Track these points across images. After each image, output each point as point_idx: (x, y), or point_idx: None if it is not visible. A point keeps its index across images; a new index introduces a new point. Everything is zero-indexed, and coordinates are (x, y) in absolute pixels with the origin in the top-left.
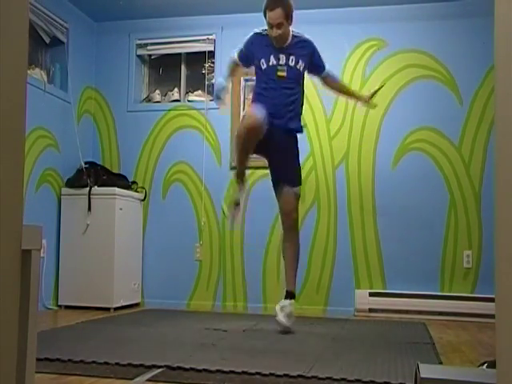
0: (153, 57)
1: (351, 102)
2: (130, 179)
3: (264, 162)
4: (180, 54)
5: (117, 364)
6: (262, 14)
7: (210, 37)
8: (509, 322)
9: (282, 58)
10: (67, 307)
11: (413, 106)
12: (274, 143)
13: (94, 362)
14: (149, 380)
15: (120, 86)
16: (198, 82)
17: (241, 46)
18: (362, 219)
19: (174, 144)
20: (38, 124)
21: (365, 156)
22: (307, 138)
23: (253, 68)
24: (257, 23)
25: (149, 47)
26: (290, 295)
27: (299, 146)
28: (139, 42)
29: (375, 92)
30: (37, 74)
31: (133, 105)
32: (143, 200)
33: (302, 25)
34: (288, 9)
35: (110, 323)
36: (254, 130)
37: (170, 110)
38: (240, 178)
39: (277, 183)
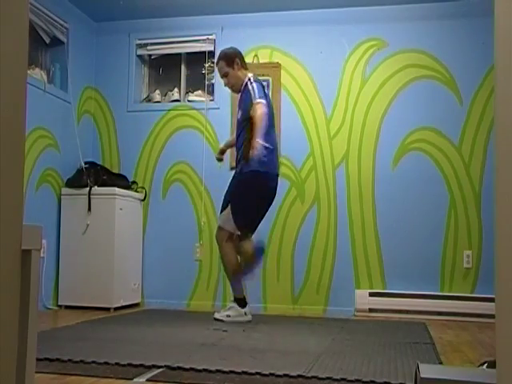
0: (153, 57)
1: (350, 103)
2: (130, 179)
3: None
4: (180, 53)
5: (117, 364)
6: (261, 14)
7: (210, 37)
8: (509, 321)
9: (238, 112)
10: (67, 307)
11: (413, 106)
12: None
13: (93, 362)
14: (149, 380)
15: (120, 86)
16: (198, 82)
17: None
18: (362, 219)
19: (174, 144)
20: (37, 124)
21: (365, 156)
22: (307, 137)
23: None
24: (257, 23)
25: (149, 47)
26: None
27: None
28: (139, 42)
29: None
30: (37, 74)
31: (133, 105)
32: (143, 200)
33: (303, 25)
34: (229, 57)
35: (110, 323)
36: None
37: (170, 110)
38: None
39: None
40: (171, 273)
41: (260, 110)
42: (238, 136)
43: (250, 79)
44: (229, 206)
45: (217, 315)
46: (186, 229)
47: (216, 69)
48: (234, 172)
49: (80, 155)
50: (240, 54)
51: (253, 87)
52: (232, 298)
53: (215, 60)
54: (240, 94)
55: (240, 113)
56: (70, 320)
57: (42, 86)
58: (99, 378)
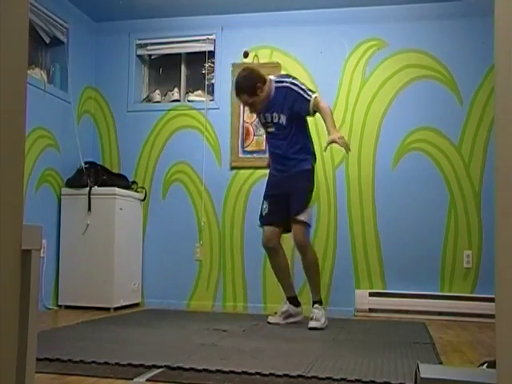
0: (153, 57)
1: (350, 103)
2: (130, 179)
3: (263, 161)
4: (180, 54)
5: (117, 364)
6: (261, 14)
7: (210, 37)
8: (509, 322)
9: (268, 117)
10: (67, 307)
11: (413, 106)
12: (285, 193)
13: (93, 362)
14: (149, 380)
15: (120, 86)
16: (198, 81)
17: None
18: (362, 219)
19: (174, 144)
20: (37, 124)
21: (365, 156)
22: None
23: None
24: (257, 23)
25: (149, 47)
26: (316, 303)
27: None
28: (139, 42)
29: (343, 145)
30: (37, 74)
31: (133, 105)
32: (143, 200)
33: (303, 25)
34: (250, 89)
35: (110, 323)
36: (268, 248)
37: (170, 110)
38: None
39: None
40: (171, 273)
41: (322, 101)
42: (282, 142)
43: (283, 82)
44: (310, 202)
45: (315, 324)
46: (186, 229)
47: (239, 99)
48: (279, 173)
49: (80, 155)
50: (257, 74)
51: (297, 86)
52: (316, 304)
53: (236, 89)
54: (271, 101)
55: (283, 116)
56: (70, 320)
57: (42, 86)
58: (99, 377)
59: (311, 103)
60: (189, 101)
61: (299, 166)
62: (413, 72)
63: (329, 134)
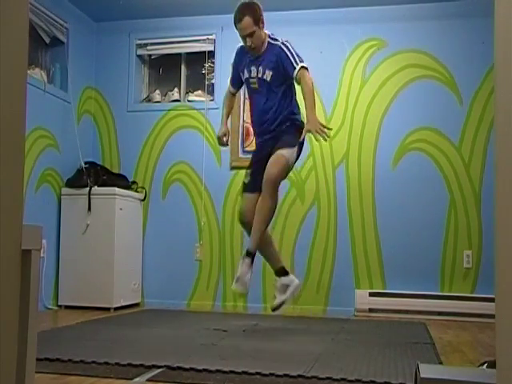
0: (153, 57)
1: (350, 103)
2: (130, 179)
3: None
4: (180, 54)
5: (117, 364)
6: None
7: (210, 37)
8: (509, 322)
9: (253, 71)
10: (67, 307)
11: (413, 106)
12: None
13: (93, 362)
14: (149, 380)
15: (120, 86)
16: (198, 82)
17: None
18: (362, 219)
19: (174, 144)
20: (38, 124)
21: (365, 156)
22: (307, 137)
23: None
24: None
25: (149, 47)
26: (248, 253)
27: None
28: (139, 42)
29: (319, 134)
30: (37, 74)
31: (133, 105)
32: (143, 200)
33: (303, 25)
34: (256, 13)
35: (109, 323)
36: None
37: (170, 110)
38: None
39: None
40: (171, 273)
41: (310, 78)
42: (265, 101)
43: (277, 40)
44: (296, 147)
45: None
46: (186, 229)
47: (238, 27)
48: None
49: (80, 155)
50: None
51: (290, 47)
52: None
53: (236, 15)
54: (264, 55)
55: (269, 71)
56: (70, 320)
57: (42, 86)
58: (99, 378)
59: (296, 71)
60: (189, 101)
61: (284, 133)
62: (413, 72)
63: (306, 119)
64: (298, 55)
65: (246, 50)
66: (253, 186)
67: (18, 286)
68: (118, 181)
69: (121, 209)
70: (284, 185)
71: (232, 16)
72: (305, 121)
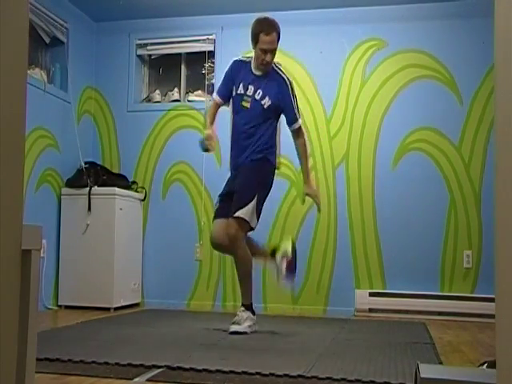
0: (153, 57)
1: (350, 103)
2: (130, 179)
3: None
4: (180, 54)
5: (117, 364)
6: (261, 14)
7: (210, 37)
8: (509, 322)
9: (250, 89)
10: (67, 307)
11: (413, 106)
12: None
13: (93, 362)
14: (149, 380)
15: (120, 86)
16: (198, 82)
17: (219, 84)
18: (362, 219)
19: (174, 144)
20: (38, 124)
21: (365, 156)
22: (307, 137)
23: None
24: None
25: (149, 47)
26: (245, 307)
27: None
28: (139, 42)
29: (316, 202)
30: (37, 74)
31: (133, 105)
32: (143, 200)
33: (303, 25)
34: (279, 34)
35: (110, 323)
36: (214, 245)
37: (170, 110)
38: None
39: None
40: (171, 273)
41: (305, 133)
42: (254, 124)
43: (283, 72)
44: (255, 197)
45: (236, 328)
46: (186, 229)
47: (266, 38)
48: (241, 162)
49: (80, 155)
50: None
51: (292, 89)
52: (242, 307)
53: (265, 26)
54: (268, 78)
55: (269, 100)
56: (70, 320)
57: (42, 86)
58: (99, 378)
59: (297, 124)
60: (189, 101)
61: (257, 155)
62: (413, 72)
63: (304, 181)
64: (297, 104)
65: (247, 66)
66: (221, 212)
67: (18, 286)
68: (118, 181)
69: (121, 209)
70: (284, 185)
71: (232, 16)
72: (278, 161)
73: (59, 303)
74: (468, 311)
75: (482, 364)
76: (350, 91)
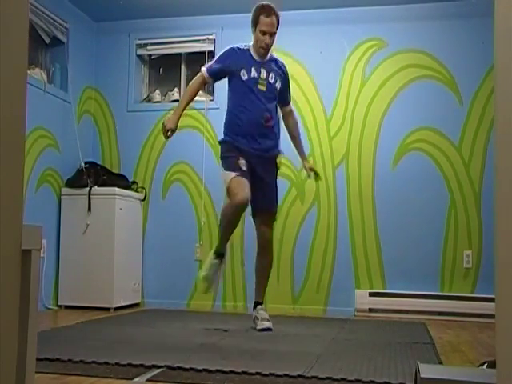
0: (153, 57)
1: (350, 103)
2: (130, 179)
3: None
4: (180, 53)
5: (117, 364)
6: None
7: (210, 37)
8: (509, 321)
9: (263, 72)
10: (67, 307)
11: (413, 106)
12: (257, 169)
13: (93, 362)
14: (149, 380)
15: (120, 85)
16: None
17: (211, 62)
18: (362, 219)
19: (174, 144)
20: (38, 124)
21: (365, 156)
22: (307, 138)
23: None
24: None
25: (149, 47)
26: (258, 304)
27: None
28: (139, 42)
29: (314, 171)
30: (37, 74)
31: (133, 105)
32: (143, 200)
33: (303, 25)
34: (279, 19)
35: (110, 323)
36: (243, 207)
37: (170, 110)
38: (221, 256)
39: (256, 209)
40: (171, 273)
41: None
42: (268, 107)
43: (278, 58)
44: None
45: (269, 325)
46: (186, 229)
47: (267, 20)
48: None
49: (80, 155)
50: None
51: (288, 74)
52: (260, 305)
53: (266, 8)
54: (269, 62)
55: (279, 83)
56: (70, 320)
57: (42, 86)
58: (99, 378)
59: (291, 105)
60: None
61: (275, 150)
62: (413, 72)
63: (303, 157)
64: None
65: (246, 52)
66: (246, 175)
67: (18, 286)
68: (118, 181)
69: (121, 209)
70: (284, 185)
71: (232, 16)
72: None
73: (59, 303)
74: (468, 311)
75: (482, 364)
76: (349, 91)
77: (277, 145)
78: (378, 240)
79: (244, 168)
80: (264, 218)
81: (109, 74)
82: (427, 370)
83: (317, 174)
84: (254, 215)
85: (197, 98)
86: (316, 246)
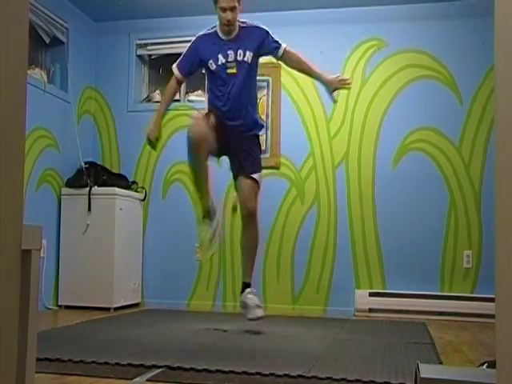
0: (153, 57)
1: (350, 103)
2: (130, 179)
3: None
4: (180, 53)
5: (117, 364)
6: (261, 14)
7: None
8: (509, 321)
9: (231, 55)
10: (67, 307)
11: (413, 106)
12: (233, 146)
13: (93, 361)
14: (149, 380)
15: (120, 85)
16: (197, 81)
17: (180, 58)
18: (362, 219)
19: (174, 144)
20: (37, 124)
21: (365, 156)
22: (307, 138)
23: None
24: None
25: (149, 47)
26: (246, 286)
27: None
28: (139, 42)
29: (345, 80)
30: (37, 74)
31: (133, 105)
32: (143, 200)
33: (303, 25)
34: None
35: (110, 323)
36: (198, 141)
37: (169, 110)
38: (208, 214)
39: (234, 176)
40: (171, 273)
41: (295, 52)
42: (240, 88)
43: (248, 22)
44: (260, 168)
45: (262, 312)
46: (185, 229)
47: None
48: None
49: (80, 155)
50: None
51: (265, 29)
52: (249, 288)
53: None
54: (239, 36)
55: (250, 52)
56: (70, 320)
57: (42, 86)
58: (99, 378)
59: (282, 48)
60: (189, 101)
61: (253, 129)
62: (413, 72)
63: (324, 80)
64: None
65: (213, 36)
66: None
67: (18, 286)
68: (118, 181)
69: (121, 209)
70: (284, 185)
71: None
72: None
73: (59, 303)
74: (468, 311)
75: (482, 364)
76: (349, 91)
77: (253, 124)
78: (377, 240)
79: (209, 121)
80: (242, 185)
81: (109, 74)
82: (427, 370)
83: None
84: (234, 184)
85: (196, 98)
86: (316, 245)
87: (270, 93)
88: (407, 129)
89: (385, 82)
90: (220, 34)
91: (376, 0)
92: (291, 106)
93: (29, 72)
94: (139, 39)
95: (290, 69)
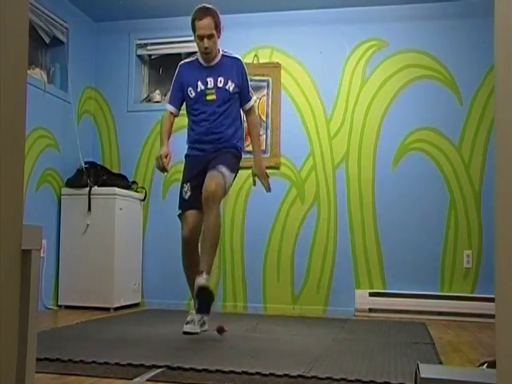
0: (153, 57)
1: (350, 103)
2: (130, 179)
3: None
4: (180, 53)
5: (117, 364)
6: (261, 14)
7: None
8: (509, 321)
9: (210, 82)
10: (67, 307)
11: (413, 106)
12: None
13: (93, 361)
14: (149, 380)
15: (120, 85)
16: None
17: (169, 93)
18: (362, 219)
19: (174, 144)
20: (37, 124)
21: (365, 156)
22: (307, 138)
23: None
24: (257, 23)
25: (149, 47)
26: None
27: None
28: (139, 42)
29: (263, 183)
30: (37, 74)
31: (133, 105)
32: (143, 200)
33: (303, 25)
34: (217, 19)
35: (110, 323)
36: (188, 241)
37: None
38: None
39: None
40: (171, 273)
41: (256, 112)
42: (219, 113)
43: (233, 54)
44: (234, 172)
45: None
46: None
47: (199, 24)
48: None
49: (80, 155)
50: None
51: (246, 71)
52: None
53: (198, 13)
54: (220, 64)
55: (232, 83)
56: (70, 320)
57: (42, 86)
58: (99, 377)
59: (252, 101)
60: None
61: (229, 142)
62: (413, 72)
63: (254, 159)
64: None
65: (193, 64)
66: (194, 203)
67: (18, 286)
68: (118, 181)
69: (121, 209)
70: (284, 185)
71: (232, 16)
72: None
73: (59, 303)
74: (468, 311)
75: (482, 364)
76: (349, 91)
77: (231, 138)
78: (377, 240)
79: (187, 195)
80: (207, 175)
81: (109, 74)
82: (427, 370)
83: (265, 187)
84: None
85: None
86: (316, 245)
87: (270, 93)
88: (407, 129)
89: (385, 82)
90: (201, 61)
91: (376, 0)
92: (291, 106)
93: (29, 72)
94: (139, 39)
95: (289, 69)
